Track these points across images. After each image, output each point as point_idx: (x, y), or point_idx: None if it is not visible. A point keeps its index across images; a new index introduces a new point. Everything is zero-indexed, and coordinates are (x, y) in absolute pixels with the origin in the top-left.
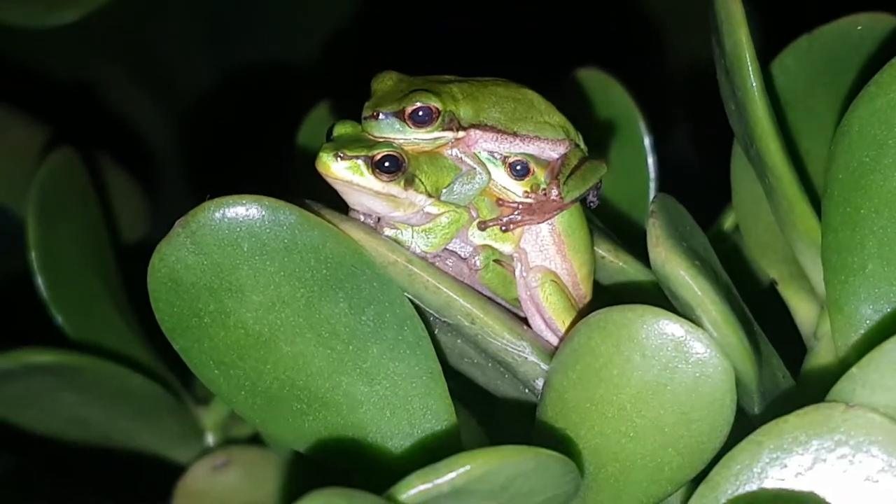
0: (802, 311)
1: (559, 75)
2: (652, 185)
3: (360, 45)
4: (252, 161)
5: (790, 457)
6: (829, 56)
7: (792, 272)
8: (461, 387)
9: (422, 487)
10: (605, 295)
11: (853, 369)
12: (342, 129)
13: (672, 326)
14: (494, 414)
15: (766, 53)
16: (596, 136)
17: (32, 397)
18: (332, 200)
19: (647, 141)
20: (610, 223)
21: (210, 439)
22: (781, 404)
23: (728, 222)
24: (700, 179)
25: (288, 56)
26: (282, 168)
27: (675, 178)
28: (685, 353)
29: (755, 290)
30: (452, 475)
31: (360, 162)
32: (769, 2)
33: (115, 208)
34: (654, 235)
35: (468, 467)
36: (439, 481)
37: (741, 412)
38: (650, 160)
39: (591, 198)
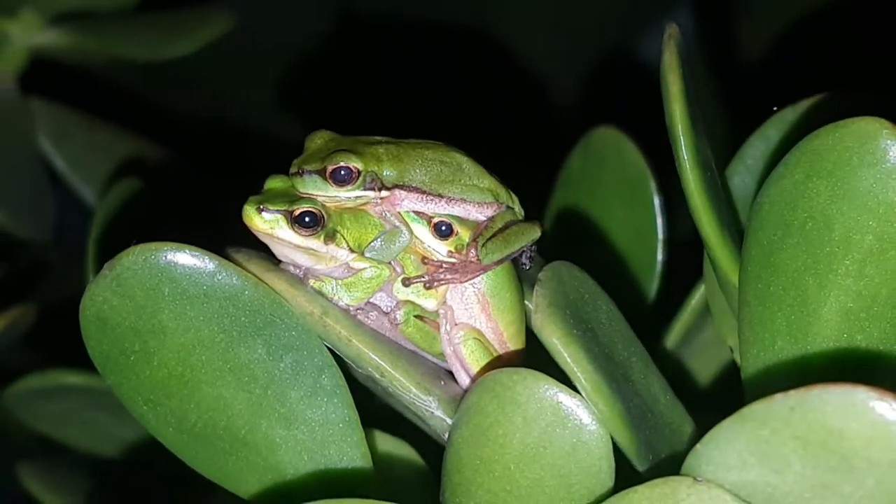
0: None
1: (578, 133)
2: (660, 246)
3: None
4: None
5: None
6: (811, 128)
7: None
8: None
9: None
10: (540, 353)
11: (697, 446)
12: (273, 183)
13: (552, 392)
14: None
15: (748, 123)
16: (607, 193)
17: (69, 415)
18: None
19: (657, 201)
20: (616, 283)
21: None
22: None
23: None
24: None
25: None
26: None
27: (684, 238)
28: (563, 418)
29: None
30: None
31: (280, 216)
32: (753, 76)
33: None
34: (535, 303)
35: None
36: None
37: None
38: (659, 220)
39: (523, 259)
